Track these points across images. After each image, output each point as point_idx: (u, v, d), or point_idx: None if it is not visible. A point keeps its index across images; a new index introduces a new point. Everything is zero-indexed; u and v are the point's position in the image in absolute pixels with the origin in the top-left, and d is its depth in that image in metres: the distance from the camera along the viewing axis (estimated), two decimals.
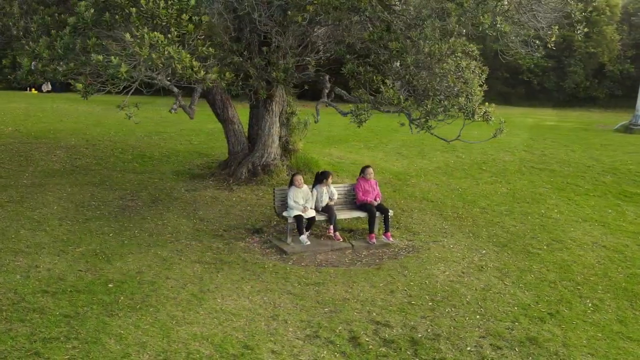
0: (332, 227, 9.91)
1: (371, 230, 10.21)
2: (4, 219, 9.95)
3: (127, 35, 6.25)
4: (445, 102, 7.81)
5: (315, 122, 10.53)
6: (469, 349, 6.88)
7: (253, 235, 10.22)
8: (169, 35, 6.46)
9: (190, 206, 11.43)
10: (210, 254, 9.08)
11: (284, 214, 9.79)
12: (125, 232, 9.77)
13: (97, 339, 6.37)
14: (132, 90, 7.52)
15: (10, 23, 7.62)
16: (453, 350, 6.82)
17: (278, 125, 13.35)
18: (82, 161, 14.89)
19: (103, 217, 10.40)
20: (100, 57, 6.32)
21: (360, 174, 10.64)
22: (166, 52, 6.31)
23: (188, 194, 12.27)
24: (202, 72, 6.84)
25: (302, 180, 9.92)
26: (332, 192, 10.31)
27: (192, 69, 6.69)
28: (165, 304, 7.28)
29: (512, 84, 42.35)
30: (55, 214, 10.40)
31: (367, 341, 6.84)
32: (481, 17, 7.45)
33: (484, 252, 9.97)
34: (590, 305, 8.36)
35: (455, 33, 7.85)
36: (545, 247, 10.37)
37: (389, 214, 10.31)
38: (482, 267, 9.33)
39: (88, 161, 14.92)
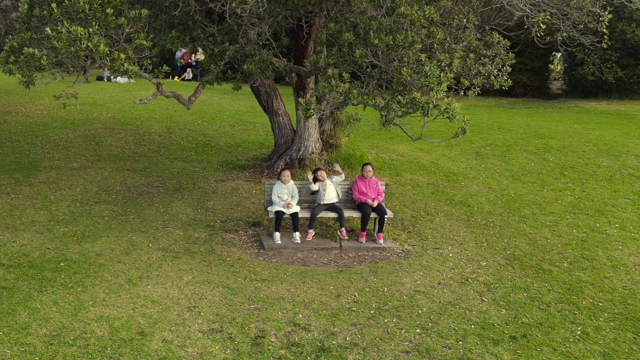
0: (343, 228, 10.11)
1: (362, 229, 10.13)
2: (23, 197, 11.35)
3: (48, 30, 7.00)
4: (400, 97, 7.55)
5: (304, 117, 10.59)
6: None
7: (249, 228, 10.60)
8: (90, 29, 7.07)
9: (206, 196, 12.09)
10: (182, 243, 9.63)
11: (268, 209, 10.04)
12: (121, 216, 10.67)
13: (13, 310, 7.19)
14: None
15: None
16: None
17: (316, 118, 13.55)
18: (144, 148, 16.28)
19: (113, 202, 11.42)
20: (31, 50, 7.14)
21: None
22: (84, 45, 6.93)
23: (214, 184, 12.96)
24: (127, 64, 7.36)
25: (289, 176, 10.10)
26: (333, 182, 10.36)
27: (120, 61, 7.25)
28: (97, 285, 7.95)
29: None
30: (72, 196, 11.63)
31: (272, 342, 6.92)
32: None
33: (484, 264, 9.42)
34: (578, 333, 7.63)
35: (418, 24, 7.54)
36: (566, 264, 9.52)
37: (386, 216, 10.12)
38: (467, 279, 8.85)
39: (150, 148, 16.28)
